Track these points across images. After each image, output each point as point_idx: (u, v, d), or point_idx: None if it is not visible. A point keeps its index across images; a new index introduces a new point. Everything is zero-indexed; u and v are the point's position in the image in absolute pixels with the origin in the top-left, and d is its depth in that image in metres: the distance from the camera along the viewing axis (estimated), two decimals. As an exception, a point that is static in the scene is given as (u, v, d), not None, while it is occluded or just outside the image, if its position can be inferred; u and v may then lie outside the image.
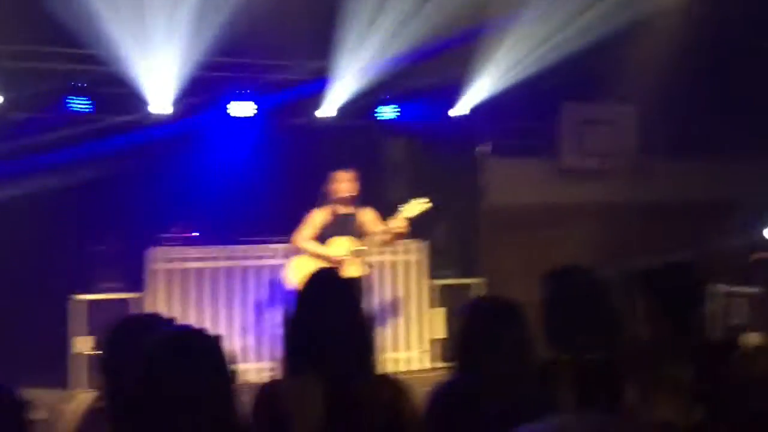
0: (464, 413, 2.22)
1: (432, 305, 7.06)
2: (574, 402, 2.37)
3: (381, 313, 6.79)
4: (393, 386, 2.33)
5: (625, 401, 2.30)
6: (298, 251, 5.77)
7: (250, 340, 6.63)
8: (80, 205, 6.47)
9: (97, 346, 5.96)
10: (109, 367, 2.21)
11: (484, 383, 2.22)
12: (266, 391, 2.32)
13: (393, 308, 6.92)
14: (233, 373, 1.87)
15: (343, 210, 5.69)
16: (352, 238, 5.61)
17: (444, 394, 2.26)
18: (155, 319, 2.40)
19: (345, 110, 7.24)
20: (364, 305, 2.46)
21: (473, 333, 2.39)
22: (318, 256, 5.63)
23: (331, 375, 2.23)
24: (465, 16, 6.71)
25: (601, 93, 8.01)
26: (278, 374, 2.37)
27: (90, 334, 6.05)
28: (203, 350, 1.86)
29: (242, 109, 6.94)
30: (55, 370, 5.93)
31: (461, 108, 7.49)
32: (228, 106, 6.92)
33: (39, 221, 6.32)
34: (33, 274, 6.26)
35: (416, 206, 5.48)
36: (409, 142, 7.51)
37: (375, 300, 6.65)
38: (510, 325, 2.37)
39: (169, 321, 2.36)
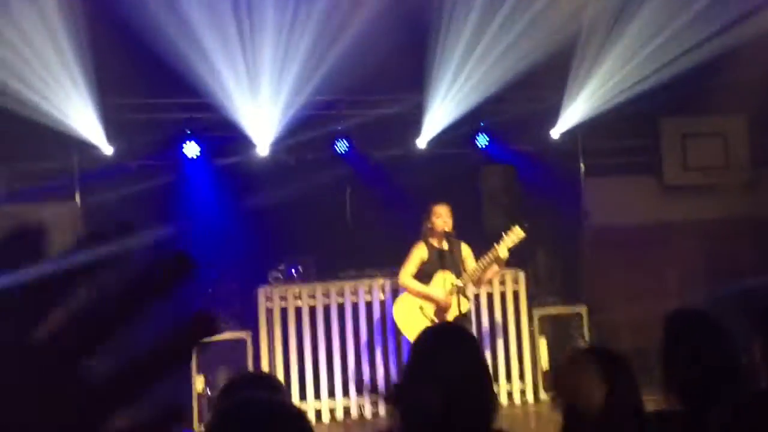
0: None
1: (534, 336, 6.91)
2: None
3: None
4: None
5: None
6: (403, 288, 5.85)
7: (362, 376, 6.72)
8: (191, 247, 6.74)
9: (210, 390, 6.20)
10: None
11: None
12: None
13: (495, 339, 6.82)
14: None
15: (442, 244, 5.72)
16: (453, 273, 5.65)
17: None
18: (264, 380, 2.51)
19: (441, 140, 7.31)
20: (483, 359, 2.33)
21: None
22: (422, 296, 5.71)
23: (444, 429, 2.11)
24: (558, 41, 6.68)
25: (706, 107, 7.75)
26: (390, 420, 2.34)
27: (208, 373, 6.31)
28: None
29: (341, 146, 7.13)
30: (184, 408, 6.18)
31: (558, 131, 7.42)
32: (336, 144, 7.11)
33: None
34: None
35: (513, 237, 5.47)
36: (506, 170, 7.44)
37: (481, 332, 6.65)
38: (615, 379, 2.32)
39: (275, 386, 2.43)
